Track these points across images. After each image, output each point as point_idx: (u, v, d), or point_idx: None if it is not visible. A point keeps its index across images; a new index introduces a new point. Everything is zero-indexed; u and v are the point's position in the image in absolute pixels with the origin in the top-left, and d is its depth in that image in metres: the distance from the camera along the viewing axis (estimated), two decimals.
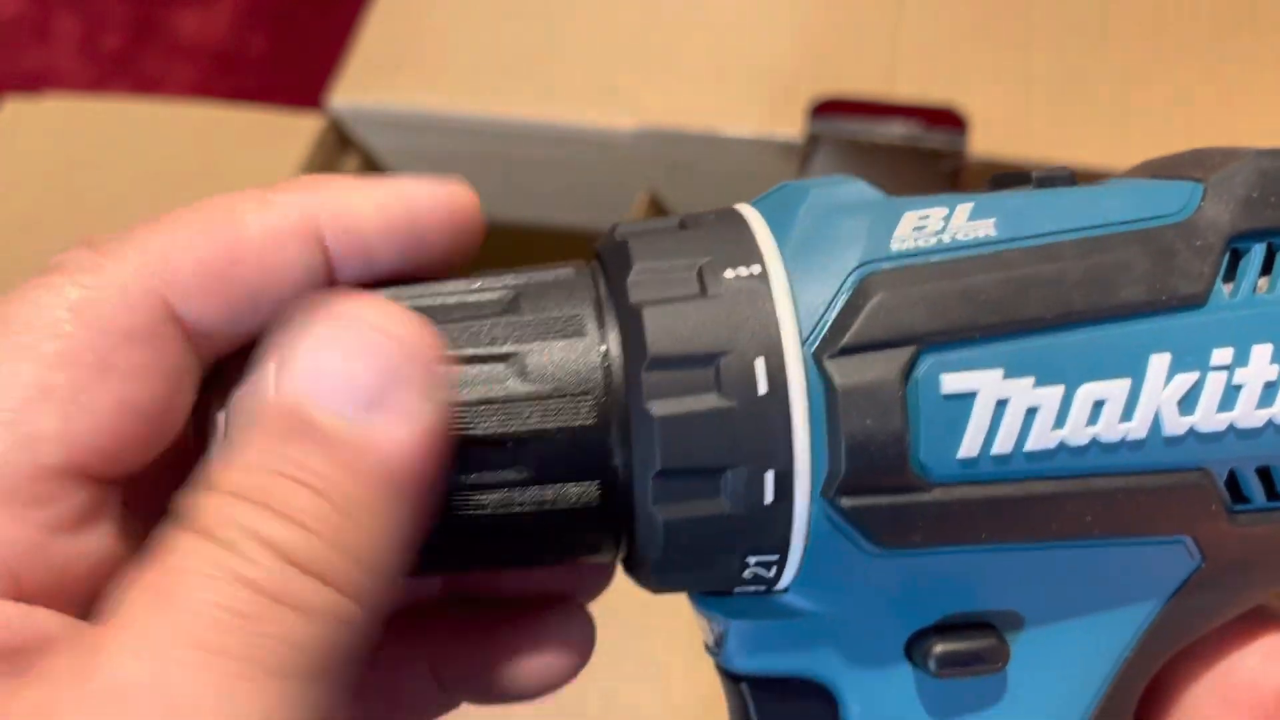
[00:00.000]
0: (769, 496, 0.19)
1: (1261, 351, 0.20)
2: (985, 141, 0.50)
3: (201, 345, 0.21)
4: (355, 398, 0.18)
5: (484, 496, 0.20)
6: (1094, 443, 0.20)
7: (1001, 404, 0.19)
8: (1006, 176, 0.22)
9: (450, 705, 0.25)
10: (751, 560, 0.20)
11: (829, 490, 0.19)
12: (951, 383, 0.19)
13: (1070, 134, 0.51)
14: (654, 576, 0.21)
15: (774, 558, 0.20)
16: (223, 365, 0.21)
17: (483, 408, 0.20)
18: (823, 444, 0.19)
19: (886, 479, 0.19)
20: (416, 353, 0.19)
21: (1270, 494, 0.21)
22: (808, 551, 0.20)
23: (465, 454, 0.19)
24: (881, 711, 0.21)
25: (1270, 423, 0.20)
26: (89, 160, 0.54)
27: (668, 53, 0.55)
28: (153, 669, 0.16)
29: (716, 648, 0.22)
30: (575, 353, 0.20)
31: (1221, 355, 0.20)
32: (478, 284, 0.21)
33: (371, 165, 0.57)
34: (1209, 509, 0.20)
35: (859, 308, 0.19)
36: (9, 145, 0.54)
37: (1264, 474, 0.21)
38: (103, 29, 1.01)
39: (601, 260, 0.21)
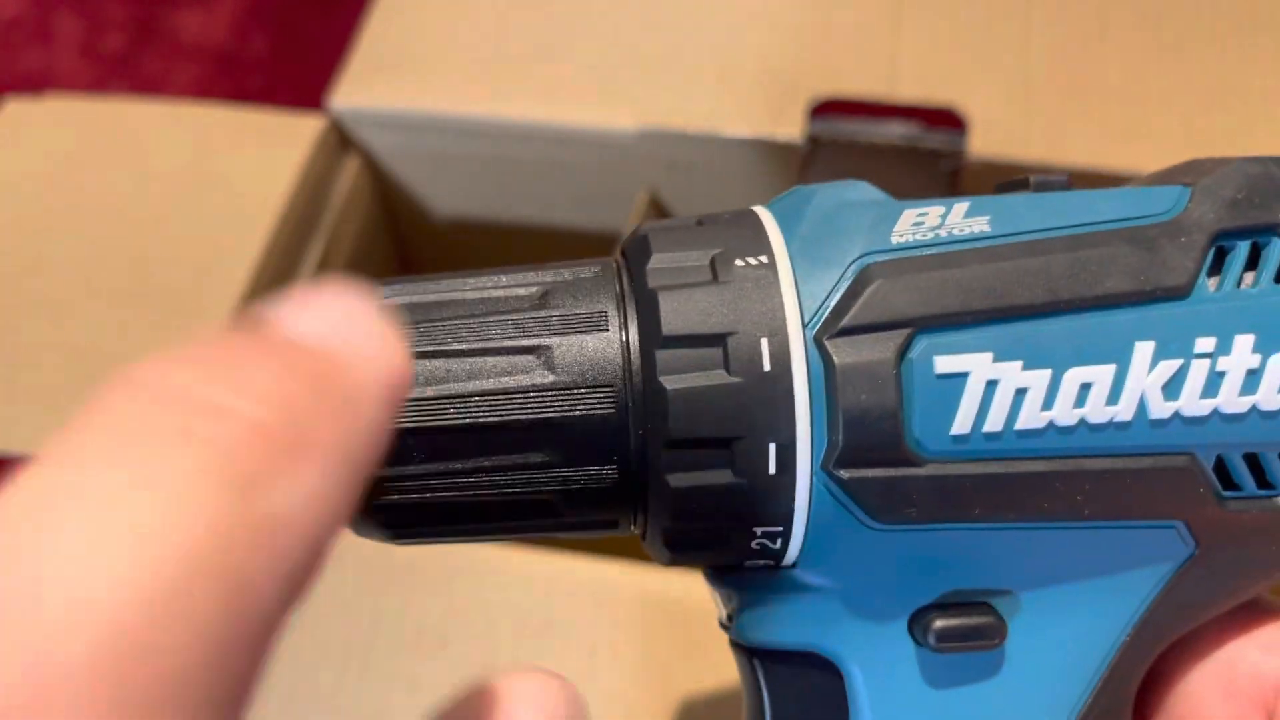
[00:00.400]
0: (772, 467, 0.21)
1: (1244, 341, 0.21)
2: (985, 142, 0.50)
3: None
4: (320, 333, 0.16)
5: (512, 476, 0.21)
6: (1082, 423, 0.21)
7: (992, 384, 0.21)
8: (1008, 185, 0.23)
9: None
10: (758, 531, 0.21)
11: (828, 462, 0.21)
12: (944, 364, 0.21)
13: (1070, 134, 0.51)
14: (667, 548, 0.22)
15: (778, 529, 0.21)
16: None
17: (514, 396, 0.21)
18: (823, 419, 0.21)
19: (882, 452, 0.21)
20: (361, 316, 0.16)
21: (1261, 481, 0.22)
22: (810, 524, 0.21)
23: (496, 438, 0.21)
24: (886, 685, 0.23)
25: (1255, 408, 0.21)
26: (89, 160, 0.54)
27: (668, 53, 0.55)
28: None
29: (729, 622, 0.24)
30: (598, 345, 0.21)
31: (1204, 344, 0.21)
32: (507, 279, 0.22)
33: (372, 165, 0.57)
34: (1197, 493, 0.21)
35: (858, 293, 0.21)
36: (9, 145, 0.54)
37: (1253, 461, 0.22)
38: (103, 29, 1.01)
39: (625, 256, 0.23)
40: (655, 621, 0.40)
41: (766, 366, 0.21)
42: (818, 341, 0.21)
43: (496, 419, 0.21)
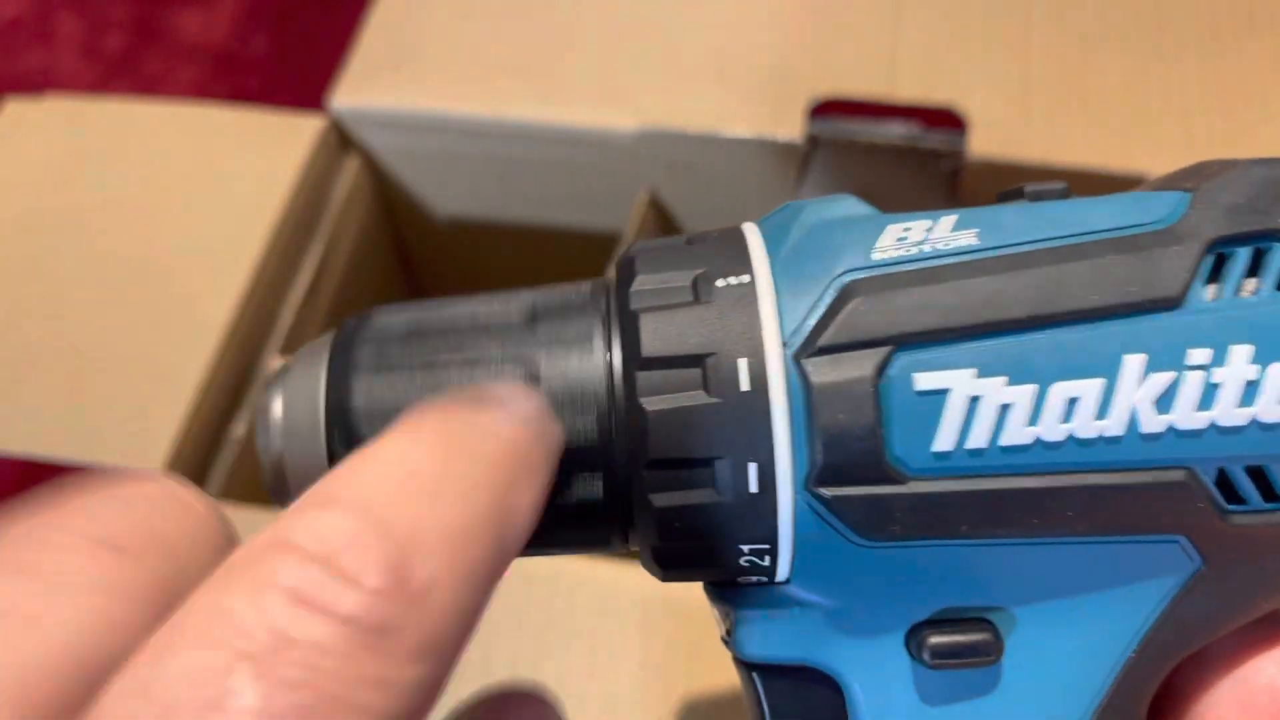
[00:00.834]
0: (754, 487, 0.21)
1: (1241, 351, 0.20)
2: (985, 142, 0.50)
3: None
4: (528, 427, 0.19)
5: None
6: (1070, 439, 0.20)
7: (974, 400, 0.20)
8: (1006, 194, 0.23)
9: None
10: (745, 549, 0.21)
11: (810, 481, 0.21)
12: (924, 381, 0.20)
13: (1070, 135, 0.51)
14: (658, 565, 0.22)
15: (765, 547, 0.21)
16: None
17: None
18: (803, 438, 0.21)
19: (863, 470, 0.20)
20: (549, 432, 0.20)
21: (1268, 495, 0.21)
22: (798, 542, 0.21)
23: None
24: (885, 701, 0.22)
25: (1254, 421, 0.20)
26: (89, 160, 0.54)
27: (668, 53, 0.55)
28: None
29: (728, 637, 0.24)
30: (583, 366, 0.22)
31: (1198, 355, 0.20)
32: (500, 301, 0.23)
33: (372, 166, 0.57)
34: (1197, 507, 0.21)
35: (837, 311, 0.21)
36: (9, 145, 0.54)
37: (1258, 474, 0.21)
38: (104, 29, 1.01)
39: (617, 276, 0.23)
40: (655, 621, 0.40)
41: (745, 386, 0.21)
42: (796, 361, 0.21)
43: None
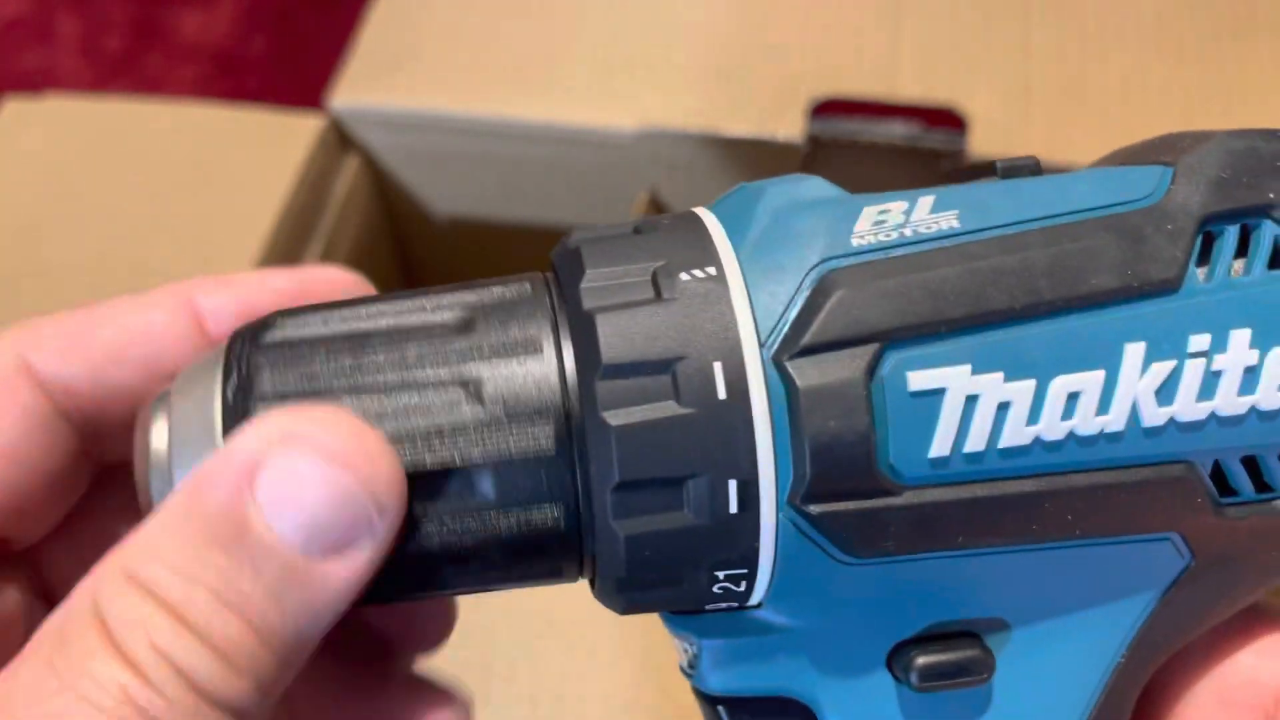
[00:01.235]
0: (733, 506, 0.19)
1: (1240, 336, 0.19)
2: (985, 142, 0.50)
3: (61, 396, 0.21)
4: (311, 535, 0.18)
5: (442, 525, 0.19)
6: (1071, 437, 0.19)
7: (972, 400, 0.19)
8: (969, 170, 0.21)
9: None
10: (720, 575, 0.19)
11: (795, 497, 0.19)
12: (918, 380, 0.19)
13: (1070, 134, 0.51)
14: (619, 596, 0.20)
15: (743, 571, 0.19)
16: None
17: (438, 434, 0.19)
18: (787, 449, 0.19)
19: (854, 482, 0.19)
20: (380, 492, 0.18)
21: (1260, 485, 0.20)
22: (777, 563, 0.19)
23: (423, 483, 0.19)
24: None
25: (1254, 409, 0.19)
26: (89, 160, 0.54)
27: (668, 53, 0.55)
28: None
29: (690, 669, 0.22)
30: (532, 374, 0.19)
31: (1199, 341, 0.19)
32: (429, 302, 0.20)
33: (371, 165, 0.57)
34: (1194, 503, 0.20)
35: (819, 306, 0.19)
36: (9, 145, 0.54)
37: (1250, 464, 0.20)
38: (103, 29, 1.01)
39: (556, 270, 0.21)
40: (655, 621, 0.40)
41: (721, 394, 0.18)
42: (777, 362, 0.19)
43: (424, 461, 0.19)
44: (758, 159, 0.52)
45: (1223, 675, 0.23)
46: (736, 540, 0.19)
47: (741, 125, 0.52)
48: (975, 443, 0.19)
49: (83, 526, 0.23)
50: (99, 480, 0.24)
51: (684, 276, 0.19)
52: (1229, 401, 0.19)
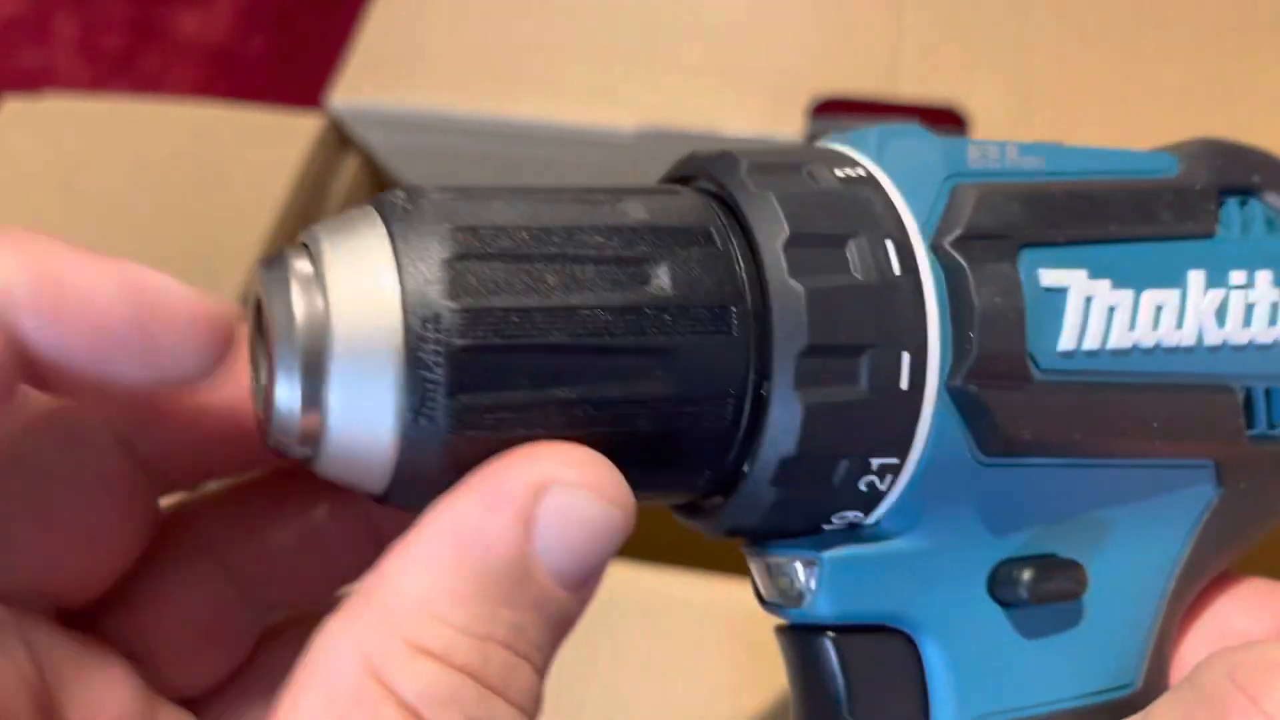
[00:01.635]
0: (904, 381, 0.19)
1: (1264, 276, 0.23)
2: None
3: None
4: (591, 571, 0.18)
5: (619, 410, 0.19)
6: (1158, 346, 0.22)
7: (1088, 300, 0.21)
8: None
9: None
10: (874, 463, 0.20)
11: (956, 376, 0.20)
12: (1049, 277, 0.21)
13: (1070, 135, 0.50)
14: (772, 489, 0.20)
15: (894, 460, 0.20)
16: None
17: (626, 313, 0.19)
18: (949, 329, 0.20)
19: (1009, 363, 0.20)
20: (624, 530, 0.18)
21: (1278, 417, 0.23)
22: (924, 456, 0.20)
23: (603, 361, 0.18)
24: (964, 651, 0.21)
25: (1278, 342, 0.23)
26: (89, 160, 0.54)
27: (668, 53, 0.55)
28: None
29: (795, 598, 0.21)
30: (709, 258, 0.19)
31: (1237, 276, 0.22)
32: (586, 191, 0.20)
33: (371, 165, 0.57)
34: (1234, 426, 0.22)
35: (963, 204, 0.20)
36: (9, 145, 0.54)
37: (1269, 398, 0.23)
38: (102, 29, 1.01)
39: (698, 175, 0.22)
40: (657, 622, 0.40)
41: (896, 270, 0.19)
42: (936, 248, 0.20)
43: (606, 340, 0.18)
44: None
45: (1216, 631, 0.24)
46: (900, 419, 0.20)
47: (741, 125, 0.52)
48: (1092, 340, 0.21)
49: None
50: None
51: (838, 172, 0.20)
52: (1262, 330, 0.22)
